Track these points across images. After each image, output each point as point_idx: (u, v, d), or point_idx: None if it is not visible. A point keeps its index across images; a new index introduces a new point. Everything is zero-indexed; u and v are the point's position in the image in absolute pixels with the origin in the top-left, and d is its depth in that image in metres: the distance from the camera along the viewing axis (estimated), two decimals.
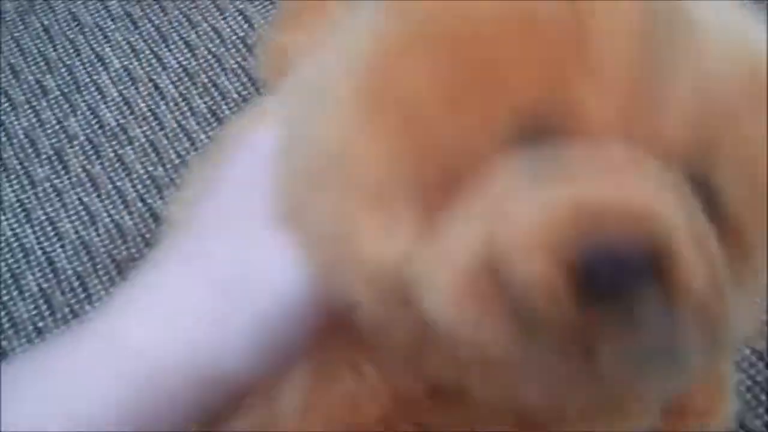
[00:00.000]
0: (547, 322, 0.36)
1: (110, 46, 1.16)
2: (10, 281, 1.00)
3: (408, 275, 0.39)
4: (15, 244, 1.02)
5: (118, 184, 1.05)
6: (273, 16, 1.11)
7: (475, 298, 0.38)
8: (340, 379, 0.46)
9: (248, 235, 0.46)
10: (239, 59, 1.13)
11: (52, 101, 1.12)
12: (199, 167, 0.63)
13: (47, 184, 1.06)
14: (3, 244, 1.02)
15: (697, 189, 0.38)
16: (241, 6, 1.17)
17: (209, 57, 1.14)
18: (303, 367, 0.47)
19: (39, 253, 1.01)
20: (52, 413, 0.43)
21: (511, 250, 0.36)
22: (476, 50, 0.39)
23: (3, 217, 1.04)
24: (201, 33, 1.16)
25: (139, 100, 1.11)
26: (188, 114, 1.09)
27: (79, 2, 1.20)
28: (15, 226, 1.03)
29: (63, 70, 1.14)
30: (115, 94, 1.11)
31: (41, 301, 0.98)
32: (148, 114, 1.09)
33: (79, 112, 1.10)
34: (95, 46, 1.16)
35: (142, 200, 1.03)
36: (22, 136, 1.10)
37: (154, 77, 1.12)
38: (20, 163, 1.08)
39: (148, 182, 1.04)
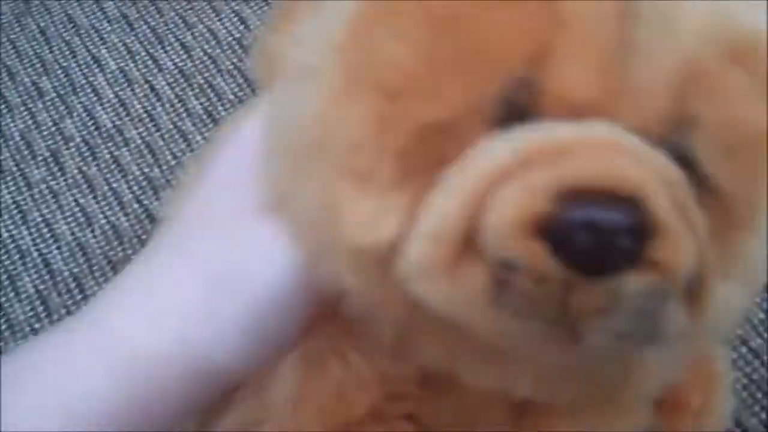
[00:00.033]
0: (530, 298, 0.36)
1: (106, 48, 1.16)
2: (6, 283, 1.00)
3: (394, 257, 0.39)
4: (11, 246, 1.02)
5: (114, 185, 1.05)
6: (268, 16, 1.11)
7: (454, 273, 0.38)
8: (329, 369, 0.46)
9: (236, 227, 0.46)
10: (235, 60, 1.13)
11: (48, 103, 1.12)
12: (193, 170, 0.63)
13: (43, 186, 1.06)
14: None
15: (680, 163, 0.38)
16: (236, 7, 1.17)
17: (205, 58, 1.14)
18: (292, 357, 0.47)
19: (35, 254, 1.01)
20: (49, 405, 0.43)
21: (493, 228, 0.36)
22: (456, 29, 0.39)
23: None
24: (197, 34, 1.16)
25: (135, 102, 1.11)
26: (184, 115, 1.09)
27: (75, 4, 1.20)
28: (11, 227, 1.03)
29: (59, 71, 1.14)
30: (111, 96, 1.11)
31: (38, 303, 0.98)
32: (144, 115, 1.10)
33: (75, 114, 1.10)
34: (91, 47, 1.16)
35: (138, 201, 1.03)
36: (18, 138, 1.10)
37: (150, 79, 1.12)
38: (16, 165, 1.08)
39: (144, 183, 1.04)
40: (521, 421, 0.47)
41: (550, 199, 0.35)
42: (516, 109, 0.38)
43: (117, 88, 1.12)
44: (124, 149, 1.07)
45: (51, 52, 1.16)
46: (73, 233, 1.02)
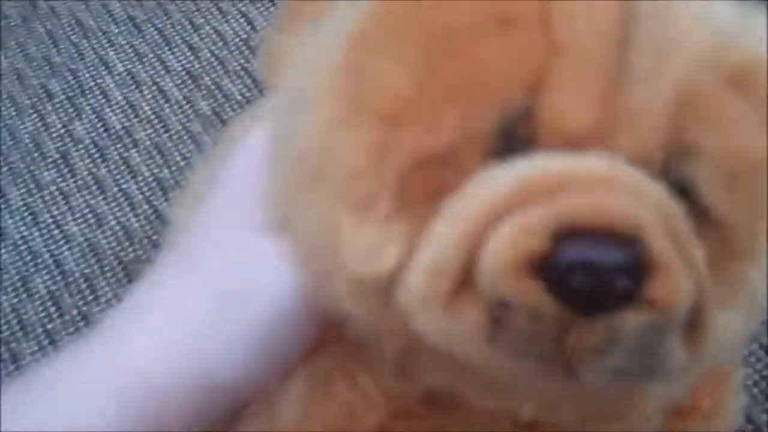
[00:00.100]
0: (525, 336, 0.36)
1: (114, 50, 1.16)
2: (18, 284, 1.00)
3: (393, 287, 0.39)
4: (23, 248, 1.02)
5: (124, 186, 1.05)
6: (275, 17, 1.11)
7: (451, 307, 0.37)
8: (336, 389, 0.46)
9: (243, 244, 0.46)
10: (242, 61, 1.13)
11: (57, 105, 1.12)
12: (202, 170, 0.63)
13: (53, 188, 1.06)
14: (11, 248, 1.03)
15: (680, 193, 0.38)
16: (243, 8, 1.17)
17: (212, 60, 1.14)
18: (300, 376, 0.47)
19: (47, 255, 1.02)
20: (56, 423, 0.43)
21: (488, 266, 0.36)
22: (454, 56, 0.39)
23: (10, 221, 1.04)
24: (204, 36, 1.16)
25: (144, 104, 1.11)
26: (192, 116, 1.09)
27: (83, 6, 1.20)
28: (22, 229, 1.04)
29: (67, 74, 1.15)
30: (120, 98, 1.12)
31: (50, 304, 0.98)
32: (153, 117, 1.10)
33: (84, 116, 1.11)
34: (99, 50, 1.16)
35: (148, 202, 1.04)
36: (27, 141, 1.10)
37: (158, 80, 1.13)
38: (26, 167, 1.08)
39: (153, 184, 1.05)
40: None
41: (545, 238, 0.35)
42: (513, 138, 0.38)
43: (125, 90, 1.12)
44: (133, 150, 1.07)
45: (59, 54, 1.17)
46: (83, 234, 1.02)
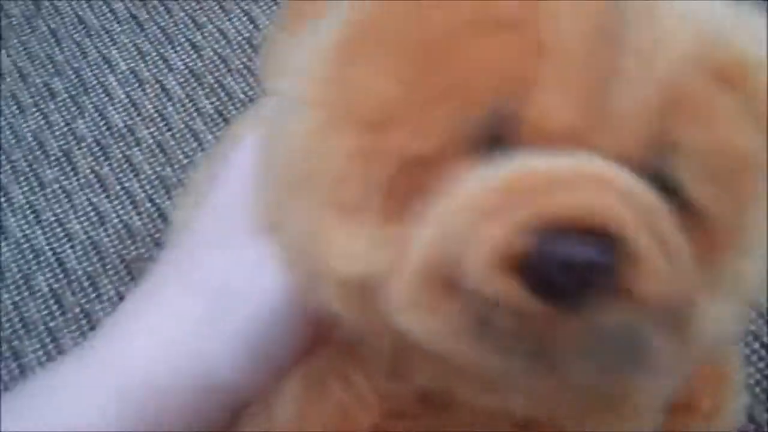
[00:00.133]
0: (510, 333, 0.36)
1: (117, 49, 1.16)
2: (21, 282, 1.00)
3: (379, 289, 0.39)
4: (25, 246, 1.03)
5: (127, 184, 1.05)
6: (277, 16, 1.11)
7: (437, 307, 0.38)
8: (330, 389, 0.46)
9: (241, 244, 0.47)
10: (245, 60, 1.13)
11: (60, 103, 1.12)
12: (204, 169, 0.63)
13: (56, 186, 1.06)
14: (13, 246, 1.03)
15: (663, 188, 0.38)
16: (246, 7, 1.17)
17: (215, 58, 1.14)
18: (295, 377, 0.47)
19: (49, 253, 1.02)
20: (57, 423, 0.44)
21: (471, 265, 0.36)
22: (437, 59, 0.39)
23: (13, 219, 1.04)
24: (206, 34, 1.16)
25: (146, 102, 1.11)
26: (195, 115, 1.09)
27: (86, 5, 1.20)
28: (25, 227, 1.04)
29: (70, 72, 1.15)
30: (122, 96, 1.12)
31: (52, 302, 0.98)
32: (156, 115, 1.10)
33: (86, 114, 1.11)
34: (102, 48, 1.16)
35: (151, 200, 1.04)
36: (30, 139, 1.10)
37: (161, 79, 1.13)
38: (29, 165, 1.08)
39: (156, 182, 1.05)
40: None
41: (526, 236, 0.35)
42: (497, 139, 0.38)
43: (128, 89, 1.12)
44: (136, 149, 1.07)
45: (62, 53, 1.17)
46: (86, 232, 1.02)
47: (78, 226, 1.03)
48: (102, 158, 1.07)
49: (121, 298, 0.95)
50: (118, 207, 1.03)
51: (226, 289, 0.46)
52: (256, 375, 0.46)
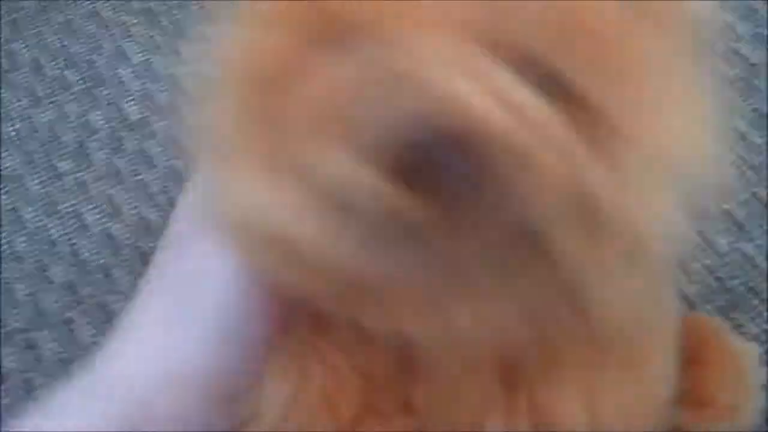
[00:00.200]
0: (385, 227, 0.36)
1: (131, 41, 1.16)
2: (36, 273, 1.01)
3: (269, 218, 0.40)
4: (41, 237, 1.03)
5: (141, 176, 1.05)
6: None
7: (293, 203, 0.38)
8: (310, 376, 0.46)
9: (196, 248, 0.48)
10: None
11: (74, 95, 1.12)
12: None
13: (71, 177, 1.06)
14: (29, 237, 1.03)
15: (545, 81, 0.37)
16: None
17: None
18: (275, 366, 0.47)
19: (64, 245, 1.02)
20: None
21: (333, 164, 0.36)
22: None
23: (28, 210, 1.05)
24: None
25: (161, 94, 1.11)
26: None
27: None
28: (40, 218, 1.04)
29: (84, 64, 1.15)
30: (137, 88, 1.12)
31: (67, 293, 0.99)
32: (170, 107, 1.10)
33: (101, 106, 1.11)
34: (117, 40, 1.16)
35: (165, 192, 1.04)
36: (45, 130, 1.10)
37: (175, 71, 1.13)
38: (44, 157, 1.08)
39: (170, 174, 1.05)
40: (517, 395, 0.46)
41: (390, 130, 0.35)
42: (355, 28, 0.38)
43: (143, 80, 1.12)
44: (151, 141, 1.08)
45: (76, 44, 1.17)
46: (101, 224, 1.03)
47: (93, 218, 1.03)
48: (117, 150, 1.07)
49: (136, 289, 0.95)
50: (133, 198, 1.03)
51: (182, 288, 0.48)
52: (231, 357, 0.47)
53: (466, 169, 0.35)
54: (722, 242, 0.90)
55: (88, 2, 1.20)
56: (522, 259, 0.39)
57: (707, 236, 0.90)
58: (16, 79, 1.15)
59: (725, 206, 0.91)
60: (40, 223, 1.04)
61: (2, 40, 1.18)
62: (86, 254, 1.01)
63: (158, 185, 1.04)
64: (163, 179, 1.05)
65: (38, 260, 1.01)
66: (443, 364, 0.45)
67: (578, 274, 0.39)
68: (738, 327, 0.84)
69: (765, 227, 0.90)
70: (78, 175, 1.06)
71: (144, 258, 0.99)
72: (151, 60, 1.14)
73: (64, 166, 1.07)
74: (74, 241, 1.02)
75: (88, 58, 1.15)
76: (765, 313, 0.86)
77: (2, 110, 1.12)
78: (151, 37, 1.16)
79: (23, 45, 1.17)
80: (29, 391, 0.92)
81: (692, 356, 0.57)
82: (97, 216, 1.03)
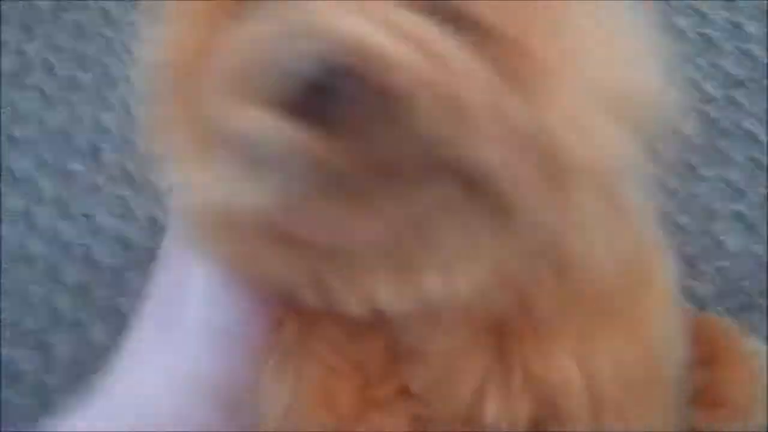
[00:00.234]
0: (290, 163, 0.36)
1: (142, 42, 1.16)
2: (49, 275, 1.01)
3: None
4: (54, 238, 1.03)
5: (153, 178, 1.05)
6: None
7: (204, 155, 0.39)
8: (308, 375, 0.47)
9: (180, 258, 0.49)
10: None
11: (87, 96, 1.13)
12: None
13: (83, 179, 1.07)
14: (42, 239, 1.03)
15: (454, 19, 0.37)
16: None
17: None
18: (270, 368, 0.47)
19: (77, 246, 1.02)
20: None
21: (236, 106, 0.37)
22: None
23: (41, 212, 1.05)
24: None
25: None
26: None
27: None
28: (53, 221, 1.04)
29: (96, 65, 1.15)
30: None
31: (80, 294, 0.99)
32: None
33: (113, 107, 1.11)
34: (128, 41, 1.17)
35: None
36: (57, 132, 1.11)
37: None
38: (56, 159, 1.09)
39: None
40: (512, 369, 0.46)
41: (290, 74, 0.35)
42: None
43: None
44: None
45: (88, 46, 1.17)
46: (113, 226, 1.03)
47: (106, 219, 1.03)
48: (128, 152, 1.07)
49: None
50: (146, 201, 1.04)
51: (170, 299, 0.49)
52: (231, 360, 0.47)
53: (370, 101, 0.35)
54: (733, 243, 0.89)
55: (99, 4, 1.20)
56: (481, 214, 0.39)
57: (718, 237, 0.90)
58: (29, 81, 1.15)
59: (736, 207, 0.91)
60: (52, 225, 1.04)
61: (14, 41, 1.19)
62: (99, 256, 1.01)
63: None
64: None
65: (51, 262, 1.02)
66: (433, 344, 0.46)
67: (539, 220, 0.39)
68: (750, 328, 0.84)
69: None
70: (90, 177, 1.07)
71: (156, 259, 0.99)
72: None
73: (76, 167, 1.08)
74: (87, 242, 1.02)
75: (100, 59, 1.15)
76: None
77: (15, 112, 1.13)
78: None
79: (35, 47, 1.18)
80: (43, 393, 0.93)
81: (704, 357, 0.58)
82: (110, 218, 1.04)
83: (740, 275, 0.88)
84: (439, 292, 0.42)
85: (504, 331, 0.46)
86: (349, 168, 0.36)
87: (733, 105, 0.97)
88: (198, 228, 0.44)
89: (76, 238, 1.03)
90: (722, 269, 0.88)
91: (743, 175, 0.92)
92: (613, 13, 0.42)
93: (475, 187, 0.38)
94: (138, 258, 1.00)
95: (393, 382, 0.47)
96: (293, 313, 0.46)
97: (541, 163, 0.38)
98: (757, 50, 1.01)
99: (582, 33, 0.40)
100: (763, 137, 0.95)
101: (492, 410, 0.46)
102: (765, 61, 1.00)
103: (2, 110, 1.13)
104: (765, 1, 1.04)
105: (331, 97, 0.35)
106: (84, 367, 0.92)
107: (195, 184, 0.41)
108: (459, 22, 0.37)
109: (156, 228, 1.02)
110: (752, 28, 1.03)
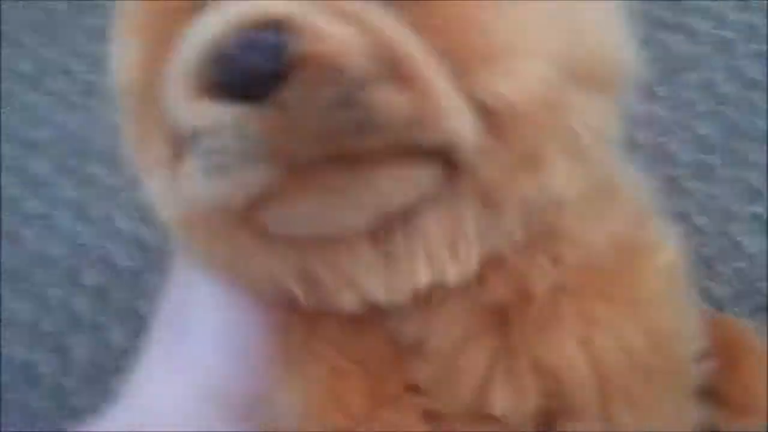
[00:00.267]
0: (224, 152, 0.37)
1: None
2: (68, 277, 1.01)
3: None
4: (72, 241, 1.04)
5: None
6: None
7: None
8: (317, 379, 0.47)
9: (184, 274, 0.52)
10: None
11: (105, 100, 1.13)
12: None
13: (102, 182, 1.07)
14: (61, 242, 1.04)
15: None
16: None
17: None
18: (279, 374, 0.48)
19: (96, 249, 1.03)
20: None
21: (178, 97, 0.38)
22: None
23: (60, 215, 1.06)
24: None
25: None
26: None
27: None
28: (71, 223, 1.05)
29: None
30: None
31: (99, 297, 1.00)
32: None
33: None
34: None
35: None
36: (77, 135, 1.11)
37: None
38: (75, 162, 1.09)
39: None
40: (517, 358, 0.46)
41: (215, 51, 0.36)
42: None
43: None
44: None
45: (106, 49, 1.17)
46: (132, 229, 1.03)
47: (124, 222, 1.04)
48: None
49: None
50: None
51: (180, 312, 0.50)
52: (242, 367, 0.48)
53: (315, 81, 0.35)
54: (751, 245, 0.89)
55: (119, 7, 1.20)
56: (464, 197, 0.40)
57: (736, 238, 0.90)
58: (48, 84, 1.16)
59: (754, 209, 0.91)
60: (71, 228, 1.05)
61: (33, 45, 1.20)
62: (117, 258, 1.02)
63: None
64: None
65: (70, 265, 1.02)
66: (434, 336, 0.46)
67: (518, 196, 0.40)
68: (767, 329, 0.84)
69: None
70: (110, 180, 1.07)
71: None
72: None
73: (95, 170, 1.08)
74: (106, 245, 1.03)
75: None
76: None
77: (34, 115, 1.13)
78: None
79: (54, 50, 1.18)
80: (61, 395, 0.93)
81: (722, 358, 0.57)
82: (128, 220, 1.04)
83: (758, 276, 0.87)
84: (429, 281, 0.42)
85: (505, 319, 0.46)
86: (305, 150, 0.36)
87: (750, 106, 0.97)
88: (181, 232, 0.45)
89: (94, 240, 1.03)
90: (740, 270, 0.88)
91: (760, 176, 0.92)
92: None
93: (453, 171, 0.39)
94: (156, 260, 1.00)
95: (399, 378, 0.47)
96: (296, 317, 0.46)
97: (505, 134, 0.38)
98: None
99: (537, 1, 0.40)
100: None
101: (499, 400, 0.46)
102: None
103: (21, 114, 1.14)
104: None
105: (275, 78, 0.35)
106: (102, 369, 0.92)
107: (169, 189, 0.43)
108: None
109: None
110: None
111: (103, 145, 1.07)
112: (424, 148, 0.38)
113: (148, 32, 0.42)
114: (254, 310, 0.47)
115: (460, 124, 0.38)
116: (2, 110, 1.15)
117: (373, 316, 0.44)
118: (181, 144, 0.40)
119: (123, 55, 0.42)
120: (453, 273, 0.42)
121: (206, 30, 0.37)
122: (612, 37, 0.43)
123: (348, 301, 0.43)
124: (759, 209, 0.91)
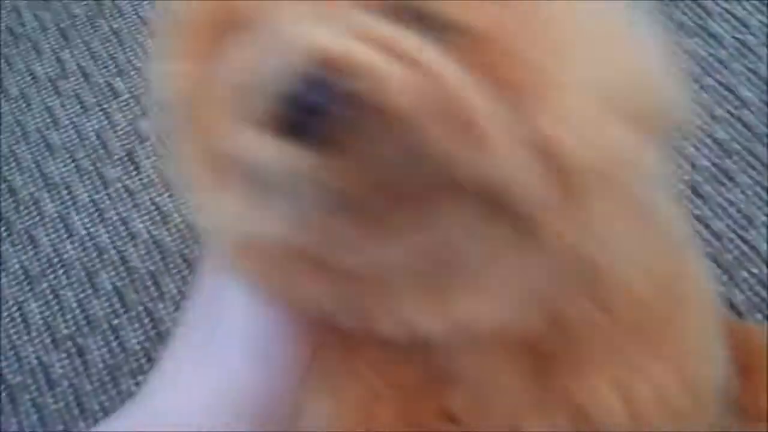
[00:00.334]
0: (294, 190, 0.37)
1: None
2: (85, 280, 1.02)
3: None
4: (89, 244, 1.04)
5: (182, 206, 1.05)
6: None
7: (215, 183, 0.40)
8: (348, 393, 0.47)
9: (214, 280, 0.50)
10: None
11: (123, 103, 1.13)
12: None
13: (119, 185, 1.07)
14: (78, 244, 1.04)
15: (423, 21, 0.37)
16: None
17: None
18: (311, 386, 0.48)
19: (113, 252, 1.03)
20: None
21: (232, 127, 0.37)
22: None
23: (77, 217, 1.06)
24: None
25: None
26: None
27: (147, 6, 1.21)
28: (89, 225, 1.05)
29: (132, 72, 1.16)
30: None
31: (115, 299, 1.00)
32: None
33: (149, 114, 1.12)
34: None
35: None
36: (94, 138, 1.11)
37: None
38: (93, 165, 1.09)
39: None
40: (551, 392, 0.46)
41: (274, 87, 0.36)
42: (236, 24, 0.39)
43: None
44: None
45: (124, 53, 1.18)
46: (149, 231, 1.04)
47: (141, 225, 1.04)
48: (164, 157, 1.08)
49: (183, 296, 0.96)
50: (181, 206, 1.04)
51: (209, 317, 0.49)
52: (267, 373, 0.48)
53: (365, 120, 0.35)
54: None
55: (135, 11, 1.21)
56: (506, 234, 0.39)
57: (754, 244, 0.89)
58: (65, 88, 1.16)
59: None
60: (88, 231, 1.05)
61: (51, 48, 1.20)
62: (134, 261, 1.02)
63: None
64: None
65: (86, 267, 1.02)
66: (471, 366, 0.46)
67: (560, 234, 0.39)
68: None
69: None
70: (126, 182, 1.07)
71: (192, 265, 1.00)
72: None
73: (112, 173, 1.08)
74: (122, 248, 1.03)
75: (135, 66, 1.16)
76: None
77: (51, 118, 1.14)
78: None
79: (72, 53, 1.19)
80: (78, 397, 0.93)
81: (742, 366, 0.57)
82: (145, 223, 1.04)
83: None
84: (471, 315, 0.42)
85: (540, 353, 0.46)
86: (353, 188, 0.36)
87: None
88: (228, 251, 0.44)
89: (111, 243, 1.04)
90: (759, 277, 0.88)
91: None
92: (611, 8, 0.41)
93: (496, 208, 0.38)
94: (173, 263, 1.01)
95: (433, 405, 0.47)
96: (334, 334, 0.46)
97: (547, 169, 0.37)
98: None
99: (574, 30, 0.39)
100: None
101: None
102: None
103: (38, 116, 1.14)
104: None
105: (325, 116, 0.35)
106: (119, 371, 0.93)
107: (215, 211, 0.42)
108: (425, 21, 0.37)
109: (191, 234, 1.02)
110: None
111: (120, 147, 1.08)
112: (481, 189, 0.37)
113: (195, 48, 0.41)
114: (288, 320, 0.47)
115: (520, 169, 0.37)
116: (20, 113, 1.15)
117: (412, 343, 0.44)
118: (227, 166, 0.40)
119: (170, 71, 0.42)
120: (495, 309, 0.42)
121: (263, 58, 0.37)
122: (663, 80, 0.42)
123: (392, 330, 0.43)
124: None
